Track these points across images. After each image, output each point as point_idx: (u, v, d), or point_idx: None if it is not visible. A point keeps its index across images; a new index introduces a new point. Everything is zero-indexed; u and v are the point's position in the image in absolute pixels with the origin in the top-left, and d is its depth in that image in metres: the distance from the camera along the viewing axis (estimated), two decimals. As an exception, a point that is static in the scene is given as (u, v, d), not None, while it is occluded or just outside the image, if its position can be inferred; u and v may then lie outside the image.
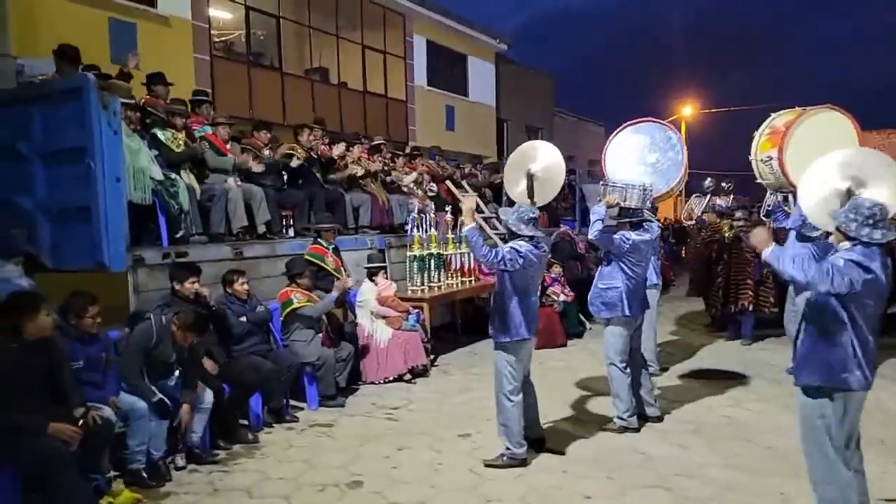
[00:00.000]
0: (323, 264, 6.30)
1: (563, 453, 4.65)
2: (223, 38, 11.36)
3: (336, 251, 6.54)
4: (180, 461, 4.53)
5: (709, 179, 10.38)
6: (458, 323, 8.87)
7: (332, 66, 13.11)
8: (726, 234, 8.45)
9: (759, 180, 6.15)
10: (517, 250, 4.35)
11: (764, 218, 6.91)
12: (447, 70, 16.44)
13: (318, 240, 6.46)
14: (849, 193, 3.43)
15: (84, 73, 4.91)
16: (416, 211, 8.16)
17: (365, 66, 13.70)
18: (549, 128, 22.27)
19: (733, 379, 6.67)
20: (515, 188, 5.34)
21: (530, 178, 5.14)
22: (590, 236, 5.11)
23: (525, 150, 5.45)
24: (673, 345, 8.37)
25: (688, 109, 31.70)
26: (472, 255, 8.44)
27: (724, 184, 10.85)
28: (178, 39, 10.02)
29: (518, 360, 4.49)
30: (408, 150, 11.37)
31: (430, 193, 9.94)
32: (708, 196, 10.34)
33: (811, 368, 3.23)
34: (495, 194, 11.85)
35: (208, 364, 5.05)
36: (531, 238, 4.46)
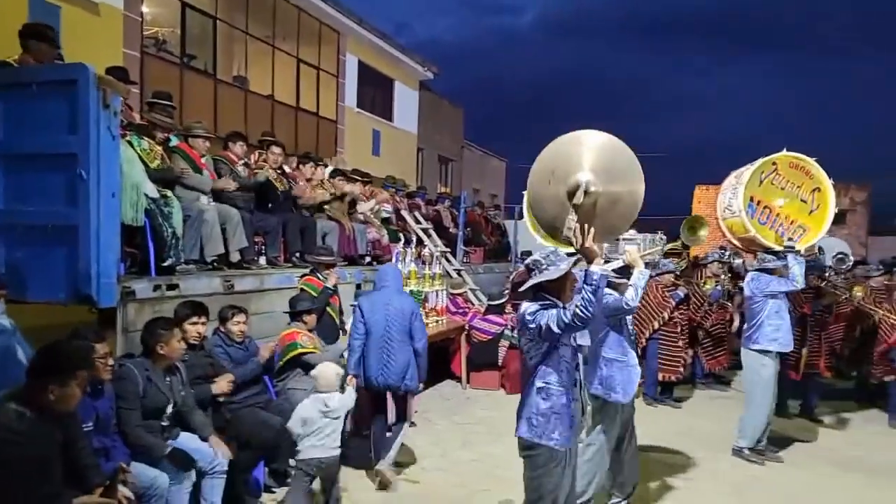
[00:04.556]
0: (316, 295, 5.60)
1: None
2: (152, 35, 10.16)
3: (335, 288, 5.85)
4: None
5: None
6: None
7: (266, 78, 12.21)
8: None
9: None
10: None
11: None
12: (375, 93, 15.98)
13: (315, 273, 5.75)
14: None
15: (81, 63, 3.99)
16: (401, 243, 7.61)
17: (299, 81, 12.94)
18: (459, 159, 22.38)
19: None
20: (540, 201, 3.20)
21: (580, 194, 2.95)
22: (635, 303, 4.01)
23: (561, 149, 3.10)
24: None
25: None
26: (444, 292, 8.13)
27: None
28: (107, 30, 8.82)
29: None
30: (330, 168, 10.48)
31: (384, 215, 9.40)
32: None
33: None
34: (436, 226, 11.49)
35: (222, 385, 4.25)
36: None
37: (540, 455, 3.12)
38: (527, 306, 3.09)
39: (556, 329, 2.90)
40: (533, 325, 3.00)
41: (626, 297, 3.92)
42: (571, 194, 2.91)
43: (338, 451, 4.11)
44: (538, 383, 3.10)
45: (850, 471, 5.54)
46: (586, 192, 2.90)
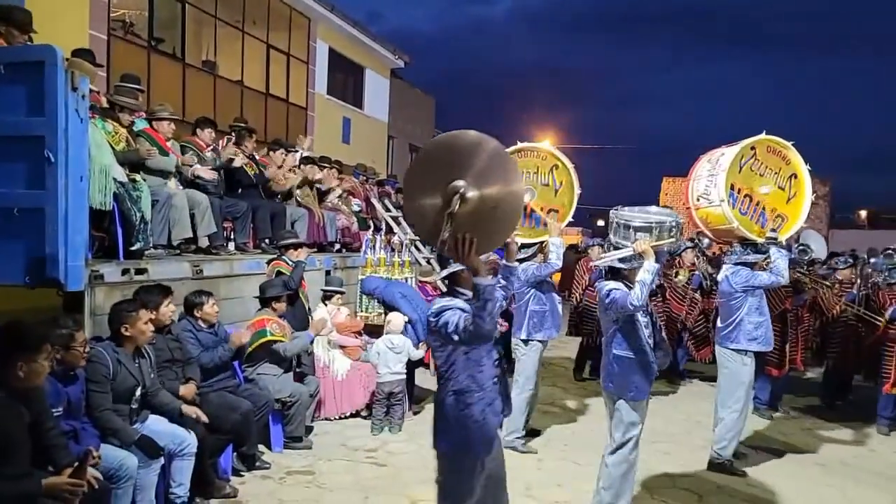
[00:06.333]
0: (289, 274, 5.64)
1: None
2: (120, 17, 9.98)
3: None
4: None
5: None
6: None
7: (235, 63, 12.10)
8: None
9: None
10: None
11: None
12: (345, 81, 15.93)
13: (283, 258, 5.79)
14: None
15: (48, 45, 3.95)
16: (371, 230, 7.66)
17: (269, 67, 12.83)
18: (430, 148, 22.41)
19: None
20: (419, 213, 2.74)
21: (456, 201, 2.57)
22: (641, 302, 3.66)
23: (449, 145, 2.64)
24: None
25: (546, 143, 33.56)
26: (413, 280, 8.20)
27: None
28: (73, 11, 8.66)
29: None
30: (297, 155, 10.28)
31: (354, 209, 9.43)
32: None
33: None
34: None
35: (187, 390, 4.27)
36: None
37: (462, 465, 2.86)
38: (435, 304, 2.83)
39: (455, 338, 2.67)
40: (435, 328, 2.74)
41: (631, 297, 3.60)
42: (447, 202, 2.55)
43: (400, 377, 5.86)
44: (451, 387, 2.80)
45: (810, 467, 5.62)
46: (462, 199, 2.55)
